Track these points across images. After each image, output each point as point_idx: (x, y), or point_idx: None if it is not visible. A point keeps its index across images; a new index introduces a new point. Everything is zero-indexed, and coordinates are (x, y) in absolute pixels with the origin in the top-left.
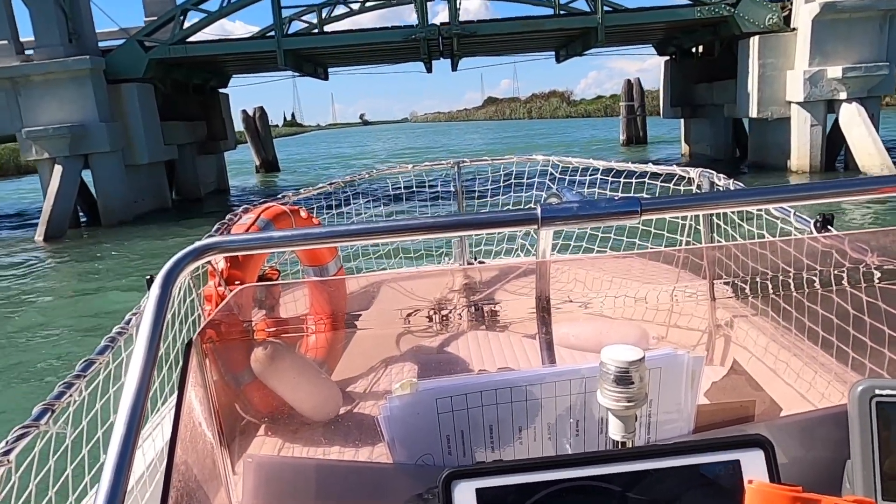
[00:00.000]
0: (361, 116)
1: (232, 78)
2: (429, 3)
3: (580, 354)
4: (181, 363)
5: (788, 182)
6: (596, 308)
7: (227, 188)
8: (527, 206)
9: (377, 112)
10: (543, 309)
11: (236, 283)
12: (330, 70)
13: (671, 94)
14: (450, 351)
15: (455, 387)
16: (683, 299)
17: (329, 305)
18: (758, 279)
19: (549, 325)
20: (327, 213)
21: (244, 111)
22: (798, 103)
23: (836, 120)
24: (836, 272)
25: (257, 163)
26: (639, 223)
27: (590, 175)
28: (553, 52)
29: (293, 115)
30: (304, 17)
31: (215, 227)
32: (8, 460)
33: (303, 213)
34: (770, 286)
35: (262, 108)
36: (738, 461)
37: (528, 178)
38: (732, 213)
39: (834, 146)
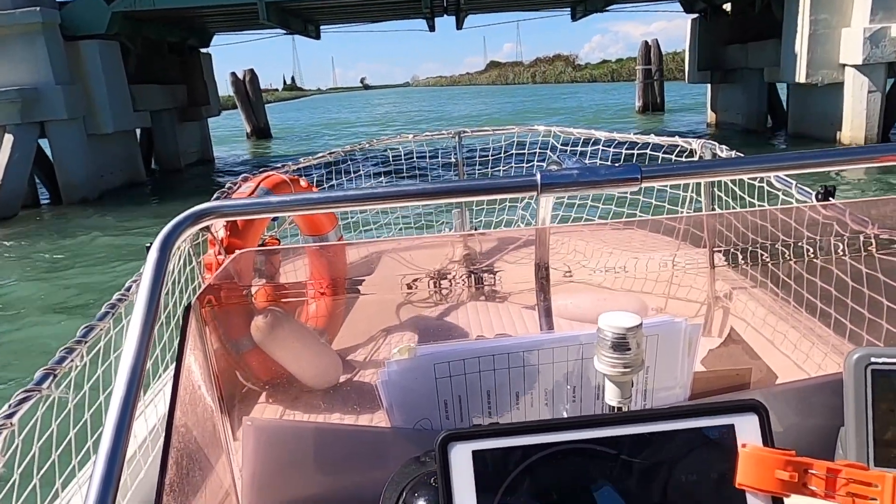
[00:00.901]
0: (362, 80)
1: (215, 37)
2: None
3: (578, 325)
4: (181, 327)
5: None
6: (595, 279)
7: (212, 158)
8: (527, 173)
9: (378, 76)
10: (542, 276)
11: (236, 251)
12: (322, 28)
13: (698, 57)
14: (449, 319)
15: (453, 352)
16: (683, 270)
17: (329, 273)
18: (757, 249)
19: (548, 292)
20: (327, 184)
21: (233, 73)
22: (854, 66)
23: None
24: (835, 241)
25: (248, 130)
26: (639, 191)
27: (591, 146)
28: (568, 9)
29: (293, 79)
30: None
31: (214, 195)
32: (11, 423)
33: (302, 183)
34: (769, 256)
35: (252, 71)
36: (732, 425)
37: (528, 150)
38: (733, 184)
39: (891, 116)
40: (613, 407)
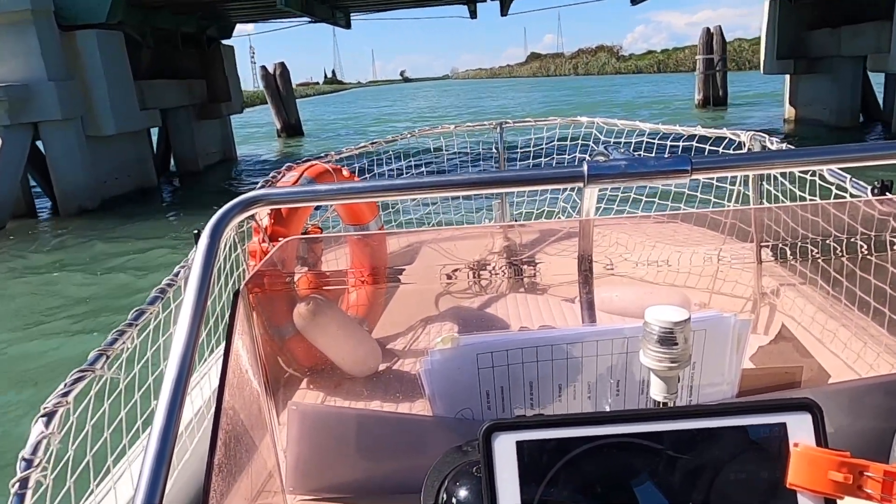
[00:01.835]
0: (402, 73)
1: (240, 26)
2: None
3: (619, 319)
4: (230, 311)
5: None
6: (637, 273)
7: (234, 157)
8: (573, 164)
9: (417, 69)
10: (586, 269)
11: (280, 239)
12: (354, 16)
13: (778, 44)
14: (489, 310)
15: (496, 343)
16: (728, 264)
17: (370, 262)
18: (808, 245)
19: (591, 285)
20: (368, 174)
21: (263, 67)
22: None
23: None
24: (891, 238)
25: (278, 126)
26: (688, 183)
27: (635, 138)
28: None
29: (333, 73)
30: None
31: (259, 184)
32: (66, 401)
33: (345, 172)
34: (820, 252)
35: (283, 64)
36: (784, 424)
37: (570, 141)
38: (782, 177)
39: None
40: (659, 402)
